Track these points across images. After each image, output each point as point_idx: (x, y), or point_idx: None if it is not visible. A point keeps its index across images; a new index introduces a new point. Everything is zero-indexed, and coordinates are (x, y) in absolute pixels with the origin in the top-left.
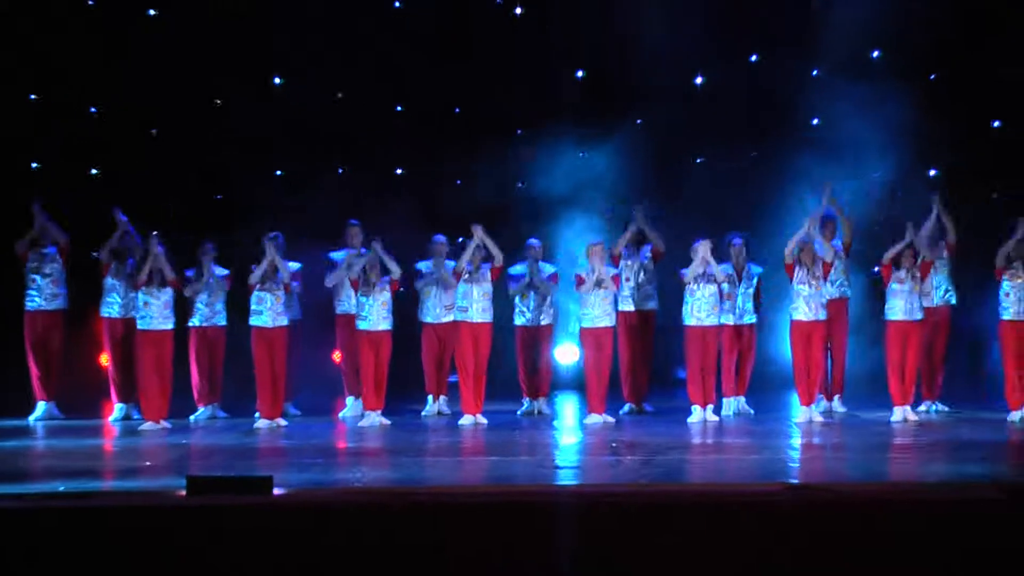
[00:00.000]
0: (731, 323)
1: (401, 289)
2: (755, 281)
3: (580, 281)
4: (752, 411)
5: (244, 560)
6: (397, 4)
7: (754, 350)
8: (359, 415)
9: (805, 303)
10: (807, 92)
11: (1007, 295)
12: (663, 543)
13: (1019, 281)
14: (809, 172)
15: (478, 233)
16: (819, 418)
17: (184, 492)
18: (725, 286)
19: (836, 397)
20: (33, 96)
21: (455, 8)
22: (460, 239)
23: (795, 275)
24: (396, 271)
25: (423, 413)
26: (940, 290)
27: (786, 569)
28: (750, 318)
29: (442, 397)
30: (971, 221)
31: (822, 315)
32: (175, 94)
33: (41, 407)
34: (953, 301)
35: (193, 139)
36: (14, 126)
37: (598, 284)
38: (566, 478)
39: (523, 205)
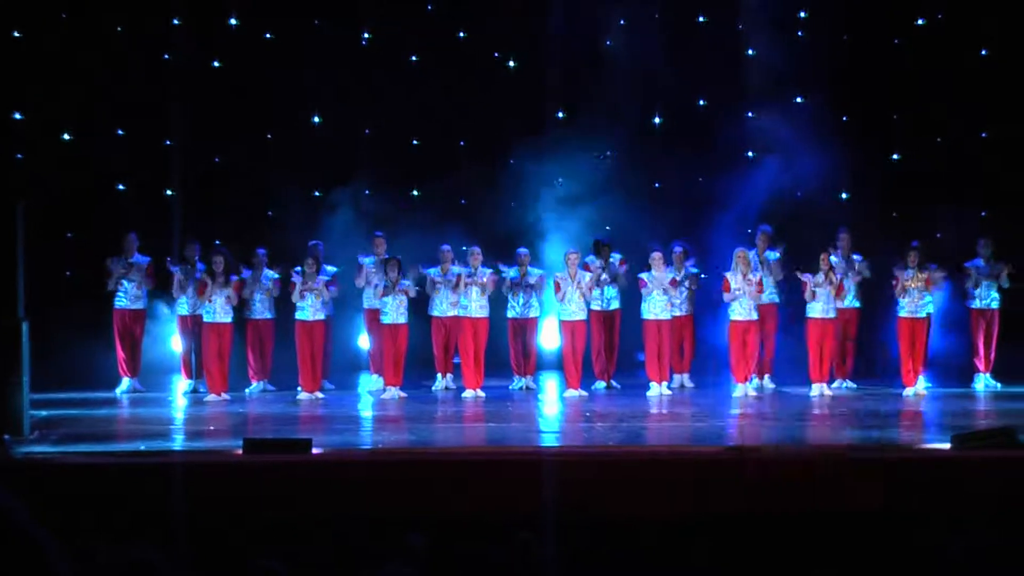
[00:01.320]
0: (678, 315)
1: (412, 295)
2: (689, 280)
3: (557, 287)
4: (693, 385)
5: (288, 505)
6: (414, 59)
7: (693, 336)
8: (381, 389)
9: (740, 305)
10: (743, 130)
11: (901, 299)
12: (626, 492)
13: (910, 287)
14: (741, 195)
15: (476, 254)
16: (752, 393)
17: (241, 451)
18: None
19: (766, 376)
20: (121, 132)
21: (458, 61)
22: (464, 247)
23: (732, 283)
24: (409, 285)
25: (433, 388)
26: (850, 296)
27: (725, 513)
28: (690, 308)
29: (448, 375)
30: (875, 238)
31: (755, 315)
32: (234, 129)
33: (126, 382)
34: (858, 304)
35: (249, 167)
36: (106, 163)
37: (573, 288)
38: (549, 441)
39: (515, 220)
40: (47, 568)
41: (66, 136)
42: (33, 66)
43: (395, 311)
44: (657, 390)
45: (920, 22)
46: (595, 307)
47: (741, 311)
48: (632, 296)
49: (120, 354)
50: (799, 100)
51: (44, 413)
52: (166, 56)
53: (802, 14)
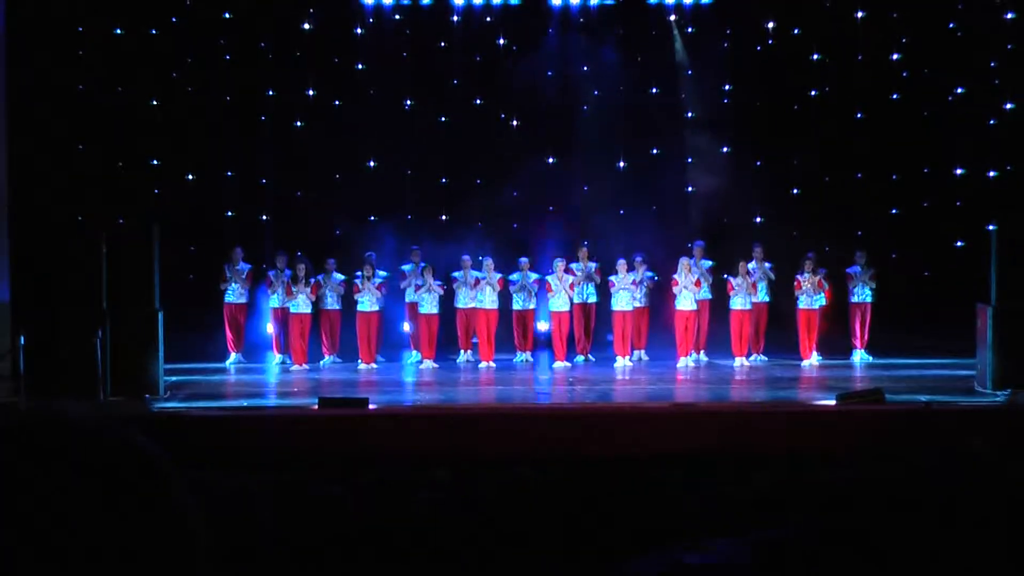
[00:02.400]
0: (638, 307)
1: (442, 292)
2: (646, 281)
3: (548, 287)
4: (648, 359)
5: (351, 445)
6: (443, 119)
7: (649, 322)
8: (419, 362)
9: (683, 298)
10: (684, 171)
11: (800, 295)
12: (598, 437)
13: (805, 286)
14: (683, 218)
15: (490, 265)
16: (692, 364)
17: (317, 407)
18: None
19: (702, 351)
20: (229, 173)
21: (475, 121)
22: (480, 257)
23: (680, 282)
24: (436, 286)
25: (457, 360)
26: (761, 292)
27: (672, 455)
28: (646, 302)
29: (468, 351)
30: (780, 250)
31: (695, 307)
32: (311, 171)
33: (233, 356)
34: (768, 299)
35: (322, 198)
36: (219, 196)
37: (561, 287)
38: (542, 400)
39: (517, 237)
40: (174, 496)
41: (190, 176)
42: (165, 125)
43: (429, 304)
44: (622, 362)
45: (813, 93)
46: (577, 300)
47: (685, 303)
48: (604, 293)
49: (229, 335)
50: (725, 150)
51: (174, 379)
52: (263, 118)
53: (727, 87)
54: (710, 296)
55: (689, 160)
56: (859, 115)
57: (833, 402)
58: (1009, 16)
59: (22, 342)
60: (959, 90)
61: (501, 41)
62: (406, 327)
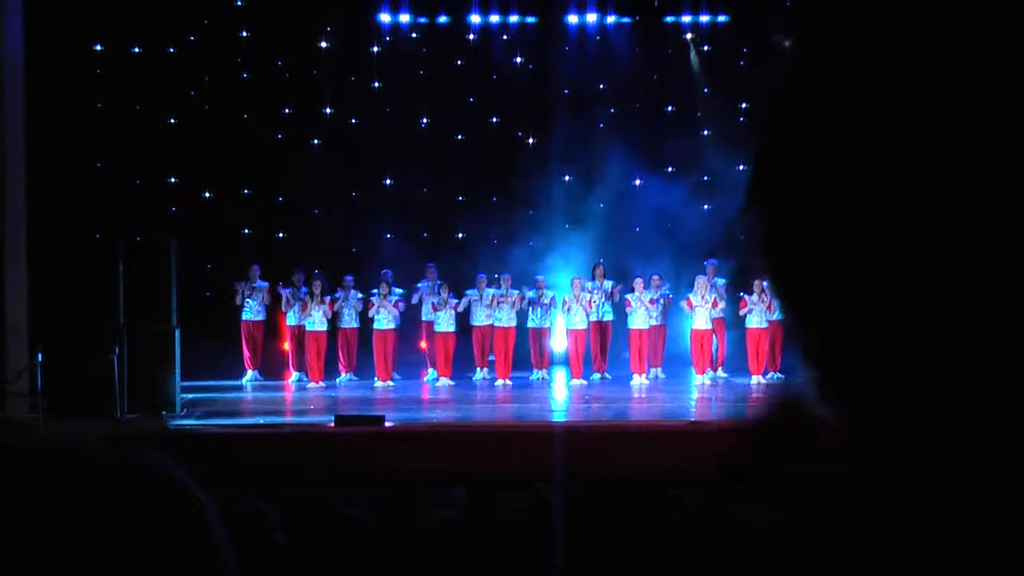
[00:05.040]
0: (654, 325)
1: (460, 310)
2: (662, 299)
3: (565, 304)
4: (665, 376)
5: (367, 463)
6: (459, 137)
7: (665, 340)
8: (435, 379)
9: (700, 317)
10: (700, 189)
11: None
12: (616, 456)
13: (755, 307)
14: (698, 237)
15: (507, 281)
16: (708, 382)
17: (333, 424)
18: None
19: (719, 369)
20: (246, 191)
21: (491, 139)
22: (497, 275)
23: (694, 301)
24: (453, 301)
25: (473, 378)
26: (778, 310)
27: (690, 470)
28: (662, 320)
29: (485, 368)
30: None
31: (711, 325)
32: (328, 190)
33: (249, 373)
34: (783, 316)
35: (339, 216)
36: (235, 214)
37: (577, 305)
38: (559, 417)
39: (533, 255)
40: (204, 520)
41: (207, 194)
42: (183, 142)
43: (446, 322)
44: (638, 380)
45: None
46: (593, 318)
47: (701, 321)
48: (620, 310)
49: (245, 352)
50: (742, 168)
51: (191, 396)
52: (280, 136)
53: (743, 105)
54: (725, 314)
55: (705, 178)
56: None
57: None
58: None
59: (39, 359)
60: None
61: (517, 60)
62: (423, 345)
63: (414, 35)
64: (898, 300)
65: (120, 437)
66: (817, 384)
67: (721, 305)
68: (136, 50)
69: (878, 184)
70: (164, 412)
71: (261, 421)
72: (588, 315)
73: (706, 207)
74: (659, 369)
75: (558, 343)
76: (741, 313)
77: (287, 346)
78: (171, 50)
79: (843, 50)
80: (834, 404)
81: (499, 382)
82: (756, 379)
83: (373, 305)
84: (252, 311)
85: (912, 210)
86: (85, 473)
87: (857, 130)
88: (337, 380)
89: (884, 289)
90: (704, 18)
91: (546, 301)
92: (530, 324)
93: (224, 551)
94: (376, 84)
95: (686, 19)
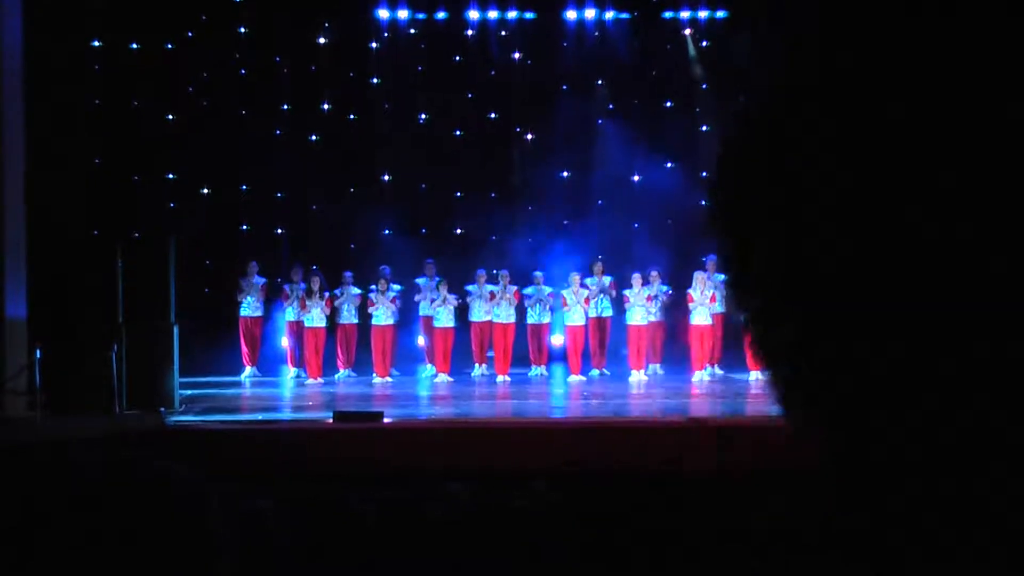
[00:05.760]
0: (652, 321)
1: (457, 305)
2: (661, 296)
3: (563, 301)
4: (664, 373)
5: (366, 460)
6: (458, 133)
7: (664, 336)
8: (434, 375)
9: (699, 313)
10: (696, 185)
11: None
12: (615, 451)
13: None
14: (697, 233)
15: (505, 277)
16: (707, 378)
17: (331, 420)
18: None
19: (716, 365)
20: (244, 187)
21: (491, 135)
22: (495, 271)
23: (694, 297)
24: (453, 298)
25: (472, 374)
26: None
27: (686, 468)
28: (661, 316)
29: (483, 365)
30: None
31: (710, 321)
32: (326, 185)
33: (248, 370)
34: None
35: (338, 212)
36: (234, 210)
37: (576, 301)
38: (558, 413)
39: (532, 251)
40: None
41: (205, 190)
42: (181, 139)
43: (444, 318)
44: (637, 376)
45: None
46: (592, 314)
47: (700, 317)
48: (619, 307)
49: (244, 349)
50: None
51: (189, 392)
52: (278, 132)
53: (742, 99)
54: (724, 310)
55: (704, 173)
56: None
57: None
58: None
59: (38, 356)
60: None
61: (516, 55)
62: (420, 341)
63: (412, 31)
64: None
65: (119, 434)
66: (783, 391)
67: (719, 300)
68: (134, 46)
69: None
70: (163, 408)
71: (260, 417)
72: (586, 311)
73: (705, 203)
74: (658, 365)
75: (557, 339)
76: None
77: (286, 342)
78: (169, 46)
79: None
80: (800, 411)
81: (498, 378)
82: (755, 375)
83: (372, 302)
84: (250, 307)
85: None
86: (85, 470)
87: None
88: (336, 376)
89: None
90: (703, 13)
91: (544, 297)
92: (529, 320)
93: (223, 546)
94: (374, 80)
95: (684, 14)
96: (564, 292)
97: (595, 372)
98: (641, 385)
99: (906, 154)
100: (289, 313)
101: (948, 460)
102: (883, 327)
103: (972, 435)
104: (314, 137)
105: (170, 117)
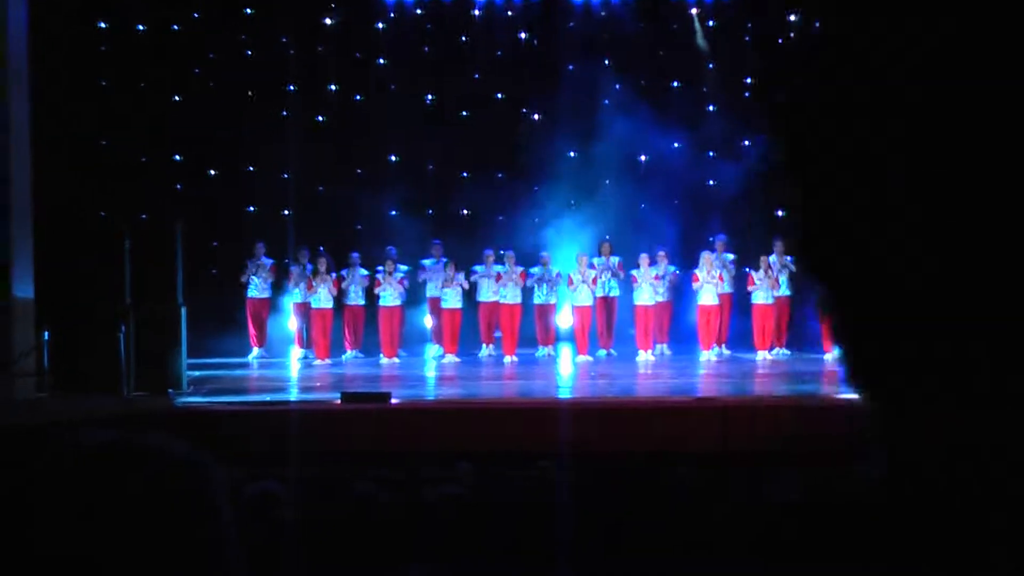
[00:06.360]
0: (660, 301)
1: (465, 287)
2: (668, 276)
3: (570, 281)
4: (671, 353)
5: (373, 440)
6: (465, 113)
7: (671, 316)
8: (441, 356)
9: (705, 292)
10: (704, 166)
11: None
12: (622, 431)
13: (762, 283)
14: (704, 213)
15: (511, 258)
16: (714, 358)
17: (340, 401)
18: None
19: (723, 345)
20: (251, 168)
21: (497, 115)
22: (502, 251)
23: (700, 277)
24: (462, 279)
25: (479, 355)
26: (783, 286)
27: (694, 450)
28: (668, 296)
29: (490, 345)
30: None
31: (716, 301)
32: (333, 166)
33: (255, 351)
34: (789, 293)
35: (344, 193)
36: (240, 191)
37: (582, 281)
38: (564, 394)
39: (539, 231)
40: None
41: (212, 171)
42: (187, 120)
43: (452, 298)
44: (644, 356)
45: None
46: (599, 294)
47: (707, 297)
48: (626, 287)
49: (251, 330)
50: (747, 143)
51: (197, 373)
52: (285, 113)
53: (747, 80)
54: (732, 290)
55: (711, 154)
56: None
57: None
58: None
59: (46, 337)
60: None
61: (523, 35)
62: (428, 322)
63: (419, 11)
64: (924, 286)
65: (127, 415)
66: (847, 365)
67: (727, 280)
68: (140, 27)
69: (897, 171)
70: (170, 390)
71: (267, 398)
72: (593, 291)
73: (712, 183)
74: (665, 345)
75: (564, 320)
76: (749, 290)
77: (293, 323)
78: (175, 27)
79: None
80: (861, 385)
81: (505, 359)
82: (761, 355)
83: (379, 283)
84: (257, 288)
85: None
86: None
87: (873, 122)
88: (343, 357)
89: (911, 275)
90: None
91: (551, 277)
92: (536, 301)
93: (230, 526)
94: (381, 61)
95: None
96: (571, 272)
97: (602, 352)
98: (648, 365)
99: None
100: (296, 294)
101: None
102: (963, 337)
103: None
104: (321, 118)
105: (177, 98)
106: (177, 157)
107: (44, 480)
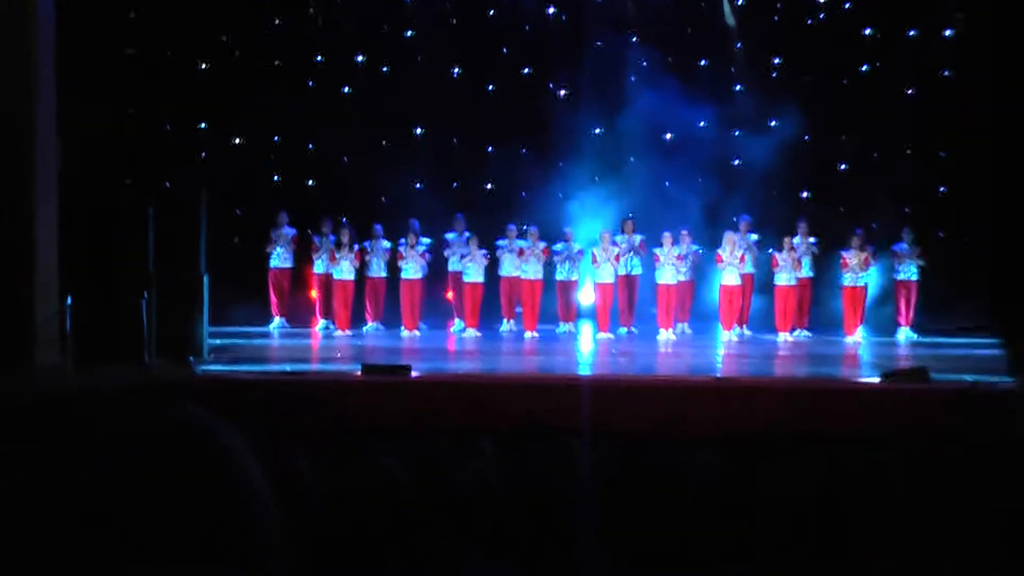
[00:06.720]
0: (682, 280)
1: (487, 261)
2: (691, 255)
3: (594, 258)
4: (692, 332)
5: (393, 413)
6: (491, 88)
7: (693, 295)
8: (462, 330)
9: (728, 273)
10: (731, 143)
11: (846, 272)
12: (642, 408)
13: (852, 263)
14: (729, 193)
15: (534, 234)
16: (735, 338)
17: (360, 373)
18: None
19: (744, 326)
20: (276, 139)
21: (523, 90)
22: (525, 227)
23: (723, 257)
24: (483, 253)
25: (500, 330)
26: (806, 268)
27: (713, 431)
28: (690, 275)
29: (512, 320)
30: (827, 227)
31: (739, 281)
32: (358, 138)
33: (276, 320)
34: (812, 274)
35: (369, 165)
36: (266, 161)
37: (606, 259)
38: (585, 370)
39: (562, 207)
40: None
41: (237, 140)
42: (213, 89)
43: (474, 272)
44: (665, 335)
45: (863, 68)
46: (621, 272)
47: (729, 278)
48: (648, 265)
49: (273, 300)
50: (773, 123)
51: (218, 342)
52: (310, 83)
53: (776, 60)
54: (753, 270)
55: (736, 133)
56: (909, 91)
57: (877, 380)
58: None
59: (69, 303)
60: None
61: (551, 10)
62: (449, 295)
63: None
64: None
65: (149, 383)
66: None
67: (749, 261)
68: None
69: None
70: (191, 357)
71: (288, 368)
72: (616, 269)
73: (737, 162)
74: (686, 324)
75: (585, 296)
76: (774, 270)
77: (314, 294)
78: None
79: None
80: None
81: (526, 334)
82: (783, 336)
83: (402, 256)
84: (279, 258)
85: None
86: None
87: None
88: (364, 329)
89: None
90: None
91: (574, 254)
92: (558, 277)
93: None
94: (408, 33)
95: None
96: (593, 249)
97: (623, 330)
98: (669, 344)
99: None
100: (318, 265)
101: None
102: None
103: None
104: (347, 89)
105: (203, 67)
106: (202, 125)
107: (73, 447)
